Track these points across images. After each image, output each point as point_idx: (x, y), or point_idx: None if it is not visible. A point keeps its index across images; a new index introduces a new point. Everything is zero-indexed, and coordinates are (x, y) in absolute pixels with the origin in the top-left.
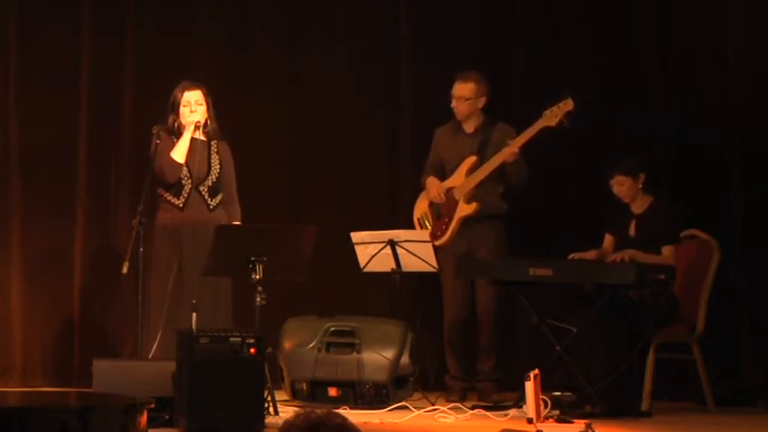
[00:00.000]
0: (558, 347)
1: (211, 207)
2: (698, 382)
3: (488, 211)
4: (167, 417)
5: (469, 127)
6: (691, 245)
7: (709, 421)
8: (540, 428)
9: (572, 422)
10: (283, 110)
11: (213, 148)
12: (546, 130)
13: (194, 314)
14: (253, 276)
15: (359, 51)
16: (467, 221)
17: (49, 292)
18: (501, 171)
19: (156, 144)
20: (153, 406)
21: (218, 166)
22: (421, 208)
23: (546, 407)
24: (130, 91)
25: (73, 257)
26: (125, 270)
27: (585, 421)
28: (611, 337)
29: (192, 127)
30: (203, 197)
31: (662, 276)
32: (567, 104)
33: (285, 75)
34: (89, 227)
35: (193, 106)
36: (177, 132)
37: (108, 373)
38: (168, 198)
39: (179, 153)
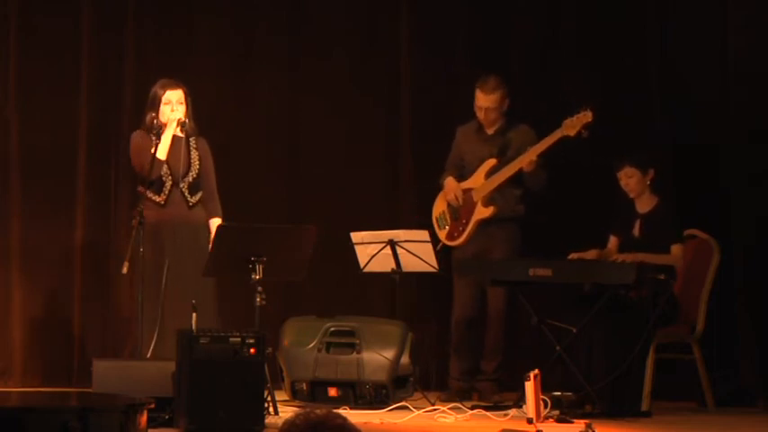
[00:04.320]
0: (558, 347)
1: (191, 204)
2: (698, 382)
3: (505, 213)
4: (167, 417)
5: (491, 128)
6: (691, 245)
7: (710, 421)
8: (540, 428)
9: (572, 422)
10: (283, 110)
11: (192, 145)
12: (564, 139)
13: (194, 314)
14: (253, 276)
15: (359, 51)
16: (483, 224)
17: (49, 292)
18: (519, 175)
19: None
20: (153, 406)
21: (198, 163)
22: (439, 207)
23: (546, 407)
24: (130, 90)
25: (73, 257)
26: (125, 270)
27: (585, 421)
28: (611, 337)
29: (174, 124)
30: (184, 194)
31: (662, 276)
32: (587, 116)
33: (285, 74)
34: (89, 227)
35: (175, 105)
36: (155, 130)
37: (108, 374)
38: (149, 196)
39: (161, 151)
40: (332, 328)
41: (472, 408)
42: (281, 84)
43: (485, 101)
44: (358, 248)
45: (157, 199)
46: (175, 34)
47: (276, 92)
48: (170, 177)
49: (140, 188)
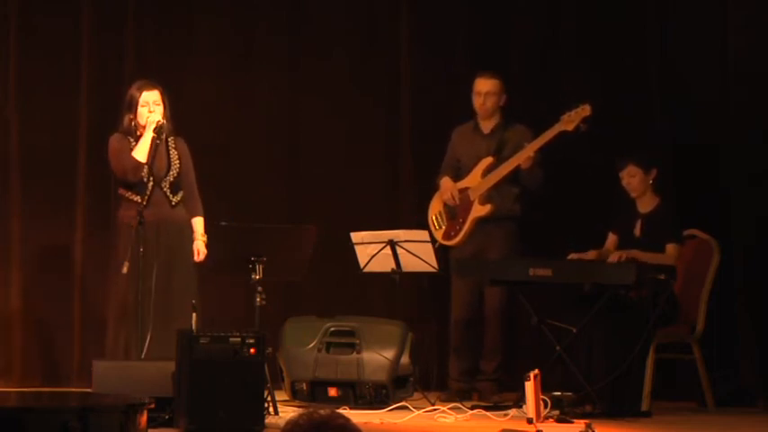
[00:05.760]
0: (558, 347)
1: (174, 203)
2: (698, 382)
3: (502, 212)
4: (167, 417)
5: (487, 127)
6: (691, 245)
7: (710, 421)
8: (540, 428)
9: (572, 422)
10: (283, 110)
11: (171, 144)
12: (563, 135)
13: (194, 314)
14: (253, 276)
15: (359, 51)
16: (480, 222)
17: (49, 292)
18: (516, 173)
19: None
20: (153, 406)
21: (178, 162)
22: (436, 207)
23: (546, 407)
24: None
25: (73, 257)
26: (125, 270)
27: (585, 421)
28: (611, 337)
29: (154, 126)
30: (165, 194)
31: (662, 276)
32: (585, 110)
33: (285, 74)
34: (89, 227)
35: (152, 106)
36: (133, 132)
37: (108, 374)
38: (130, 197)
39: (141, 153)
40: (332, 328)
41: (472, 408)
42: (281, 84)
43: (484, 85)
44: (358, 248)
45: (139, 200)
46: (175, 34)
47: (276, 92)
48: (151, 178)
49: (121, 190)
